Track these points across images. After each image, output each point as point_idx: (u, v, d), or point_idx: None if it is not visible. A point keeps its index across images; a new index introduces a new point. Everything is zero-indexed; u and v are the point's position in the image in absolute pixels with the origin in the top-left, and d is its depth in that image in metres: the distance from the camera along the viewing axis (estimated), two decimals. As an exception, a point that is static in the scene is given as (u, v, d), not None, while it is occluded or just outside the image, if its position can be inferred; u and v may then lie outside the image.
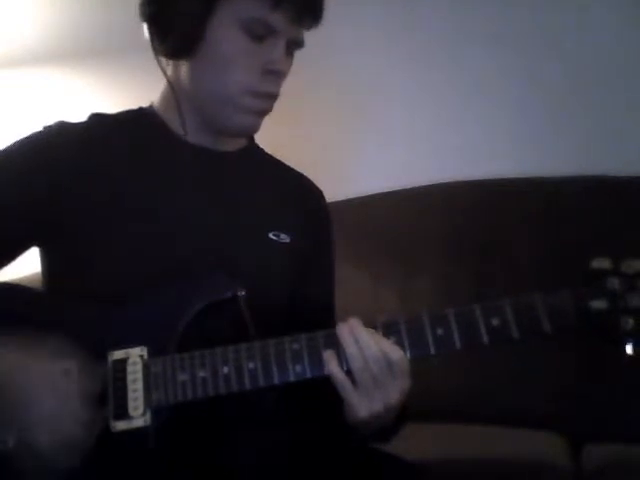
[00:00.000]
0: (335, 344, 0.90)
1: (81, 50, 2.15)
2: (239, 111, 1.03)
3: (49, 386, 0.85)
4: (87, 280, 0.97)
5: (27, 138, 1.04)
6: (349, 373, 0.88)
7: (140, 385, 0.87)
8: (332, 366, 0.89)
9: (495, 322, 0.89)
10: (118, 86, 2.08)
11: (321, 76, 1.98)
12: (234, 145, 1.12)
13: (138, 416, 0.86)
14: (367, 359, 0.88)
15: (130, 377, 0.88)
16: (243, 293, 0.93)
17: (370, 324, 0.92)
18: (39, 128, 1.05)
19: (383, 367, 0.88)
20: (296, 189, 1.15)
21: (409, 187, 2.00)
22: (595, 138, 1.95)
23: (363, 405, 0.88)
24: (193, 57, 1.01)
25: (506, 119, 2.03)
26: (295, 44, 1.04)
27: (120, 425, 0.86)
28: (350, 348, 0.88)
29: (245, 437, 0.97)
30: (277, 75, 1.03)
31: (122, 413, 0.86)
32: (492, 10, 2.02)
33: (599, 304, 0.85)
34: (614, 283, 0.86)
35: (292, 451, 1.00)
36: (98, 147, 1.04)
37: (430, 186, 1.98)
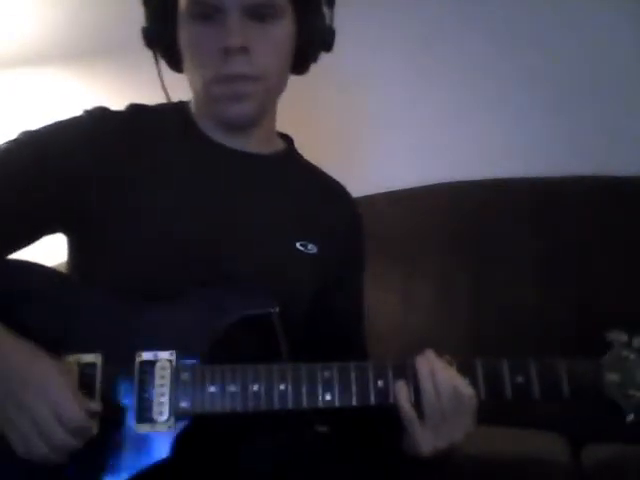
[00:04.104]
0: (405, 375, 0.88)
1: (81, 50, 2.15)
2: (216, 102, 0.99)
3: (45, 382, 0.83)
4: (115, 272, 0.95)
5: (69, 120, 1.02)
6: (416, 406, 0.87)
7: (167, 390, 0.86)
8: (401, 398, 0.87)
9: (519, 379, 0.89)
10: (118, 86, 2.08)
11: (320, 77, 1.97)
12: (267, 147, 1.08)
13: (162, 422, 0.85)
14: (440, 394, 0.86)
15: (158, 381, 0.86)
16: (277, 310, 0.91)
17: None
18: (79, 112, 1.03)
19: (453, 402, 0.86)
20: (332, 199, 1.12)
21: (409, 187, 2.00)
22: (595, 138, 1.95)
23: (427, 440, 0.86)
24: (185, 65, 1.01)
25: (506, 119, 2.03)
26: (255, 8, 0.95)
27: (143, 428, 0.85)
28: (425, 382, 0.86)
29: (265, 449, 0.96)
30: (235, 52, 0.94)
31: (145, 416, 0.85)
32: (492, 11, 2.02)
33: (613, 377, 0.89)
34: (629, 357, 0.90)
35: (308, 469, 0.99)
36: (137, 139, 1.02)
37: (430, 186, 1.98)
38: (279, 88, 1.04)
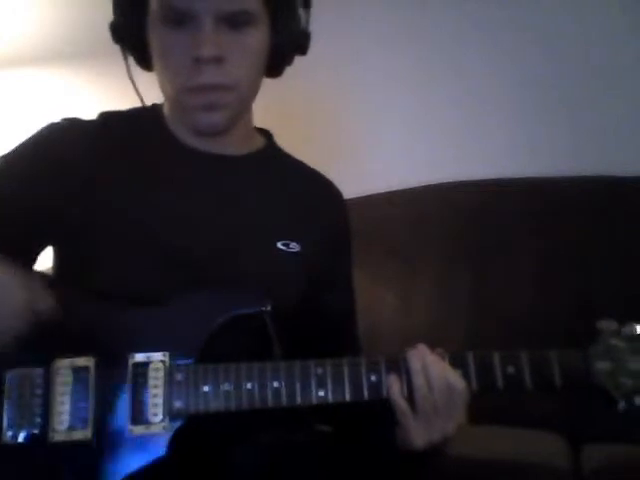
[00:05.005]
0: (398, 369, 0.89)
1: (80, 50, 2.15)
2: (187, 110, 0.97)
3: None
4: (97, 280, 0.95)
5: (37, 137, 1.01)
6: (409, 399, 0.87)
7: (161, 391, 0.86)
8: (394, 392, 0.88)
9: (510, 370, 0.89)
10: (118, 86, 2.08)
11: (320, 78, 1.98)
12: (244, 148, 1.07)
13: (157, 423, 0.85)
14: (432, 388, 0.87)
15: (151, 382, 0.86)
16: (269, 308, 0.91)
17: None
18: (44, 124, 1.01)
19: (445, 395, 0.87)
20: (313, 192, 1.10)
21: (409, 187, 2.00)
22: (595, 138, 1.95)
23: (421, 433, 0.87)
24: (155, 68, 0.99)
25: (506, 120, 2.03)
26: (229, 16, 0.92)
27: (137, 430, 0.85)
28: (418, 377, 0.87)
29: (260, 447, 0.96)
30: (208, 62, 0.92)
31: (140, 418, 0.85)
32: (490, 12, 2.02)
33: (603, 365, 0.89)
34: (618, 345, 0.90)
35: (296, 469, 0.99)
36: (111, 148, 1.01)
37: (430, 186, 1.98)
38: (252, 95, 1.02)
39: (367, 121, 2.11)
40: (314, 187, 1.11)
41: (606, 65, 1.94)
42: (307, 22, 1.01)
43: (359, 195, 1.98)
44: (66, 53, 2.17)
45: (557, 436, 1.59)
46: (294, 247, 1.02)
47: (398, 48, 2.09)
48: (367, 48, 2.09)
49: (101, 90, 2.12)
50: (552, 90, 1.99)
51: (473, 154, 2.03)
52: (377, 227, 1.93)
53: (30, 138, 1.01)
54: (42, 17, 2.14)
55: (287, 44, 1.00)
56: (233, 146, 1.04)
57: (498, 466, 1.37)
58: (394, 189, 2.00)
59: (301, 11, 1.00)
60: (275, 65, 1.02)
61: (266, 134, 1.13)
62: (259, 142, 1.10)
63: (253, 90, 1.01)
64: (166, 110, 1.06)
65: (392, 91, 2.10)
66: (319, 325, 1.07)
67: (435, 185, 1.98)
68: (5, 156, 1.01)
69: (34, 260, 1.02)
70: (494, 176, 1.93)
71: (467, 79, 2.05)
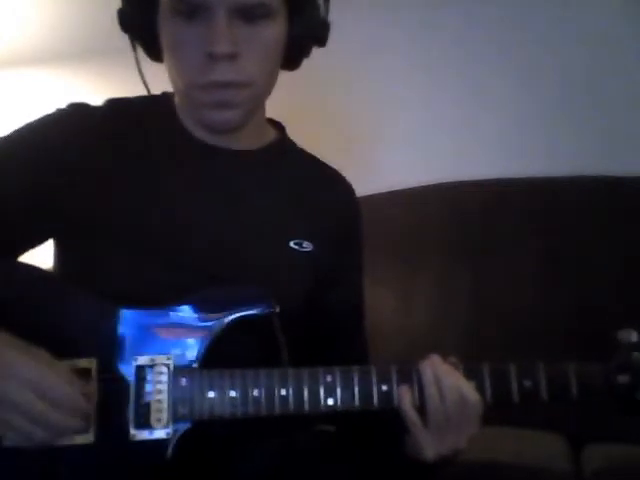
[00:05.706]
0: (410, 379, 0.86)
1: (80, 50, 2.15)
2: (198, 107, 0.92)
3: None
4: (100, 277, 0.91)
5: (46, 120, 0.97)
6: (421, 410, 0.85)
7: (165, 396, 0.83)
8: (405, 403, 0.85)
9: (527, 383, 0.87)
10: (118, 85, 2.08)
11: (322, 76, 1.98)
12: (255, 142, 1.02)
13: (160, 428, 0.82)
14: (445, 398, 0.84)
15: (156, 386, 0.84)
16: (277, 310, 0.88)
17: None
18: (52, 110, 0.97)
19: (458, 407, 0.84)
20: (326, 188, 1.06)
21: (409, 187, 2.00)
22: (595, 138, 1.95)
23: (431, 445, 0.85)
24: (165, 60, 0.94)
25: (506, 120, 2.03)
26: (245, 8, 0.86)
27: (140, 435, 0.82)
28: (430, 387, 0.85)
29: (263, 449, 0.95)
30: (221, 59, 0.87)
31: (143, 422, 0.83)
32: (494, 12, 2.02)
33: (624, 379, 0.87)
34: (639, 357, 0.88)
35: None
36: (118, 137, 0.96)
37: (430, 186, 1.99)
38: (268, 91, 0.97)
39: (368, 121, 2.11)
40: (327, 183, 1.07)
41: (607, 65, 1.94)
42: (326, 11, 0.96)
43: (359, 195, 1.97)
44: (66, 53, 2.17)
45: (558, 436, 1.59)
46: (307, 246, 0.99)
47: (400, 48, 2.09)
48: (369, 49, 2.10)
49: (101, 90, 2.11)
50: (553, 90, 1.99)
51: (473, 154, 2.03)
52: (377, 227, 1.93)
53: (32, 122, 0.97)
54: (42, 17, 2.14)
55: (306, 35, 0.95)
56: (246, 140, 1.00)
57: (499, 467, 1.37)
58: (394, 189, 2.00)
59: (320, 0, 0.95)
60: (292, 57, 0.97)
61: (278, 126, 1.09)
62: (271, 134, 1.06)
63: (269, 84, 0.96)
64: (177, 102, 1.01)
65: (393, 91, 2.10)
66: (326, 324, 1.05)
67: (435, 185, 1.98)
68: (5, 138, 0.97)
69: (28, 246, 0.98)
70: (494, 176, 1.93)
71: (468, 79, 2.05)
